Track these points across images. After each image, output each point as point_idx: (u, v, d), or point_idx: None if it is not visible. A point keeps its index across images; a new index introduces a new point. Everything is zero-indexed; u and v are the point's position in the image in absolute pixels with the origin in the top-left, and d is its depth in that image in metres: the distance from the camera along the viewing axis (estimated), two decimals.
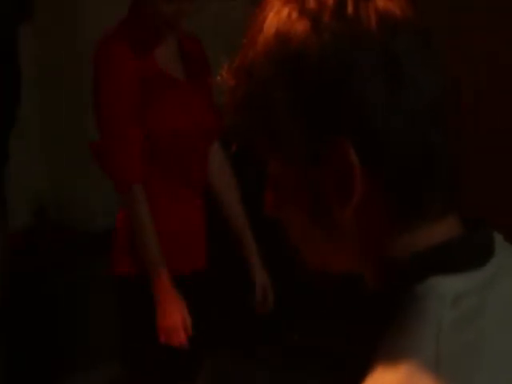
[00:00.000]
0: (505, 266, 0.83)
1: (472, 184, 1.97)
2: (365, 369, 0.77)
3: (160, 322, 2.23)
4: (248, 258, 2.53)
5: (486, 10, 3.12)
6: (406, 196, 0.81)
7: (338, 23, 0.79)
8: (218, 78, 0.87)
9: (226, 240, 2.55)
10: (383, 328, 0.78)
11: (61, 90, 4.02)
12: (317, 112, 0.79)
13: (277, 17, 0.82)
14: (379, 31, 0.78)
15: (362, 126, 0.78)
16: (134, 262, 2.31)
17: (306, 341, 3.67)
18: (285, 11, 0.82)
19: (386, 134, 0.78)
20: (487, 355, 0.76)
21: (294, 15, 0.81)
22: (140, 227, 2.25)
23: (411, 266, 0.80)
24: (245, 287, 2.55)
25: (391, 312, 0.78)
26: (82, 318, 3.71)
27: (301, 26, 0.80)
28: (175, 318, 2.22)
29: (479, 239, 0.83)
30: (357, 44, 0.78)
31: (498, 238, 0.86)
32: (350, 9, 0.79)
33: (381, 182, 0.80)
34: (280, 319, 3.06)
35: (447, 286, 0.78)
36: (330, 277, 0.95)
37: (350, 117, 0.78)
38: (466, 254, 0.81)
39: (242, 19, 0.92)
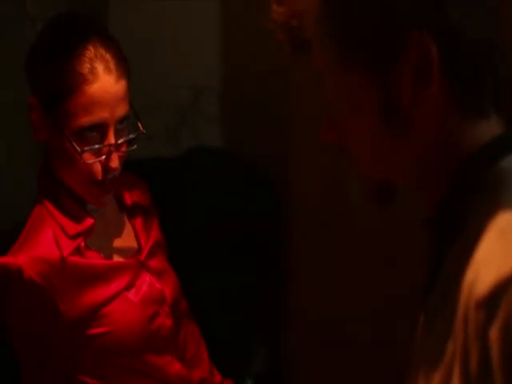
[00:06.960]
0: None
1: None
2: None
3: None
4: None
5: None
6: (471, 90, 0.88)
7: None
8: None
9: None
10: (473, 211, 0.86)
11: None
12: (397, 4, 0.84)
13: None
14: None
15: (440, 20, 0.84)
16: None
17: None
18: None
19: (463, 29, 0.85)
20: None
21: None
22: None
23: (487, 150, 0.88)
24: None
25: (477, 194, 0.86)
26: None
27: None
28: None
29: None
30: None
31: None
32: None
33: (450, 76, 0.86)
34: None
35: None
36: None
37: (431, 11, 0.84)
38: None
39: None
